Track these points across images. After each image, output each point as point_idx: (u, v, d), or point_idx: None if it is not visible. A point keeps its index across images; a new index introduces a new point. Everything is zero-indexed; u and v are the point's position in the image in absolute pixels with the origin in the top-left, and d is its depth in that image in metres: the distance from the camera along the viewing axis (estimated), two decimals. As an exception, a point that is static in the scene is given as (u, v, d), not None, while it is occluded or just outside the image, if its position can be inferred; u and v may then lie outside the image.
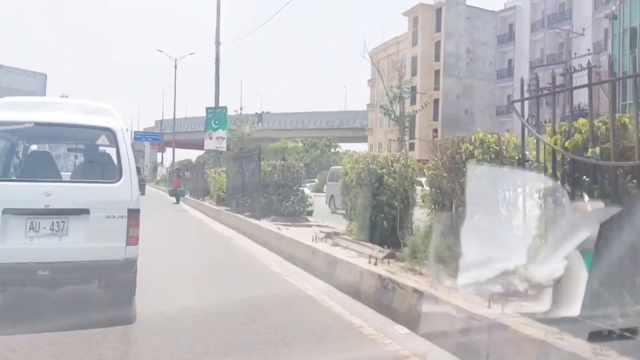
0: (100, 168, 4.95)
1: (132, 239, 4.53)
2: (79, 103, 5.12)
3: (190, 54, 64.20)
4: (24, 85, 67.99)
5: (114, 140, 4.73)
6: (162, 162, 63.44)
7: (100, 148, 5.12)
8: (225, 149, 24.26)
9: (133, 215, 4.54)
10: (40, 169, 4.89)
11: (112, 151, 4.83)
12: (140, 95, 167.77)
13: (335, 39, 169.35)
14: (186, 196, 26.15)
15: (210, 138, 24.55)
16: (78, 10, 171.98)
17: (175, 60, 43.63)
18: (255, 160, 12.75)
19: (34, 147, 6.24)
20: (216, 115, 24.72)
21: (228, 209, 15.26)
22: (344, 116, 67.53)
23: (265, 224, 10.94)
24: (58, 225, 4.32)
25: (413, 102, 25.56)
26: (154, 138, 56.27)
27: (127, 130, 5.05)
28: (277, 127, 66.24)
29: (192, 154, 64.79)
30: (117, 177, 4.60)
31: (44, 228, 4.30)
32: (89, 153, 5.22)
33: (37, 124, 4.78)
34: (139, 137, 56.51)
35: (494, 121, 42.94)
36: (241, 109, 35.56)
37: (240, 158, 14.80)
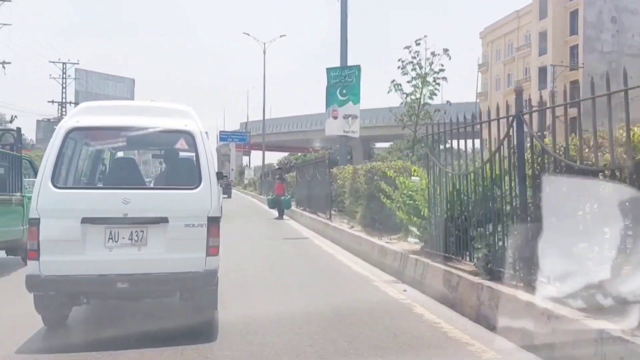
0: (179, 173, 4.73)
1: (212, 250, 4.21)
2: (157, 106, 4.91)
3: (280, 36, 62.37)
4: (113, 90, 67.70)
5: (192, 144, 4.45)
6: (249, 165, 59.84)
7: (179, 152, 4.90)
8: (357, 135, 16.52)
9: (213, 224, 4.22)
10: (122, 175, 4.78)
11: (191, 155, 4.57)
12: (224, 98, 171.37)
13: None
14: (292, 207, 17.85)
15: (335, 117, 16.09)
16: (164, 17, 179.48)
17: (264, 44, 40.53)
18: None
19: (120, 154, 6.24)
20: (343, 80, 15.67)
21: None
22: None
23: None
24: (137, 235, 4.14)
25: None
26: (241, 138, 54.50)
27: (207, 133, 4.74)
28: (368, 125, 56.73)
29: (276, 158, 60.00)
30: (197, 183, 4.30)
31: (123, 238, 4.13)
32: (168, 157, 5.03)
33: (116, 128, 4.68)
34: (224, 137, 54.58)
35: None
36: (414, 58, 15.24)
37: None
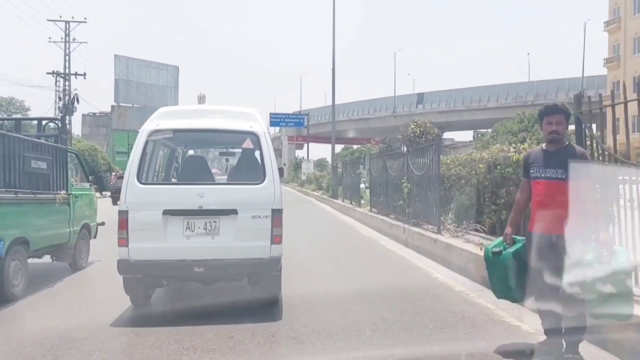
0: (246, 170, 5.25)
1: (276, 238, 4.70)
2: (226, 109, 5.46)
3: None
4: (155, 78, 63.17)
5: (257, 144, 4.96)
6: (307, 157, 48.20)
7: (246, 151, 5.39)
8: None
9: (276, 215, 4.71)
10: (195, 172, 5.36)
11: (256, 154, 5.07)
12: (273, 85, 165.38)
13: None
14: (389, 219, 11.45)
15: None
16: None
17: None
18: None
19: (190, 152, 6.88)
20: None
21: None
22: (544, 87, 46.36)
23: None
24: (210, 225, 4.66)
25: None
26: (297, 122, 44.35)
27: (268, 133, 5.25)
28: (443, 109, 51.09)
29: (327, 151, 52.87)
30: (262, 178, 4.80)
31: (199, 228, 4.66)
32: (235, 156, 5.54)
33: (191, 130, 5.25)
34: (276, 121, 44.06)
35: None
36: None
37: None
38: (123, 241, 4.57)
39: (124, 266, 4.60)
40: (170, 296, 5.56)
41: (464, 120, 51.75)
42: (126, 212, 4.59)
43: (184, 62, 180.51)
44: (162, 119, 5.13)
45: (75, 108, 27.82)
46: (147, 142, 4.87)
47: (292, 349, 3.94)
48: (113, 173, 33.93)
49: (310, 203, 25.25)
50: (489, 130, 38.27)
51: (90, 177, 8.41)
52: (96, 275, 7.09)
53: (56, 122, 7.88)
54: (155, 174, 5.76)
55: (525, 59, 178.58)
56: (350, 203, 17.69)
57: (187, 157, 6.63)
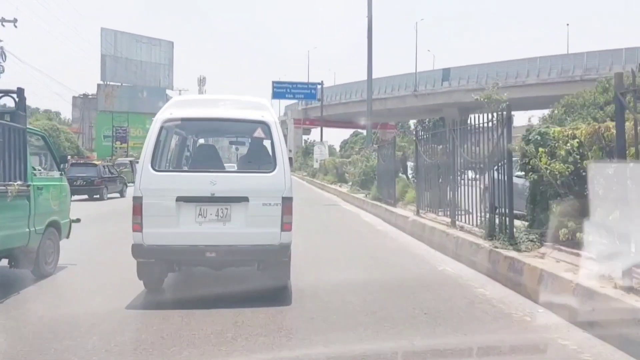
0: (257, 159, 5.36)
1: (286, 226, 4.80)
2: (237, 99, 5.59)
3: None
4: (147, 55, 57.55)
5: (268, 133, 5.07)
6: (322, 139, 38.33)
7: (257, 140, 5.49)
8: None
9: (286, 203, 4.81)
10: (206, 160, 5.50)
11: (267, 143, 5.17)
12: (279, 67, 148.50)
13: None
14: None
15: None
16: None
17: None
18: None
19: (201, 140, 7.02)
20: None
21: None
22: (596, 59, 36.56)
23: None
24: (222, 212, 4.78)
25: None
26: (308, 93, 35.62)
27: (279, 123, 5.35)
28: (473, 86, 35.87)
29: (341, 136, 43.06)
30: (272, 167, 4.91)
31: (211, 214, 4.78)
32: (247, 144, 5.68)
33: (204, 119, 5.39)
34: (280, 91, 35.65)
35: None
36: None
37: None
38: (137, 226, 4.69)
39: (138, 251, 4.73)
40: (182, 281, 5.67)
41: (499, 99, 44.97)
42: (140, 198, 4.72)
43: (181, 40, 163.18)
44: (176, 108, 5.27)
45: (2, 68, 23.97)
46: (160, 131, 4.99)
47: (301, 337, 3.98)
48: (69, 157, 26.55)
49: (338, 209, 15.43)
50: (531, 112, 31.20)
51: (61, 166, 6.90)
52: (65, 284, 5.82)
53: (12, 95, 5.74)
54: (168, 161, 5.89)
55: (563, 30, 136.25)
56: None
57: (198, 146, 6.79)
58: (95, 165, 20.31)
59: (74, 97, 59.90)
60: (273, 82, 36.16)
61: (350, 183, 19.71)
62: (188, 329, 4.05)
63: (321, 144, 36.33)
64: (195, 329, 4.05)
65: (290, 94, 37.09)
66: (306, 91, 36.57)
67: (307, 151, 42.94)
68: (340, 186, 21.49)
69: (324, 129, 38.56)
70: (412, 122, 65.83)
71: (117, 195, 19.91)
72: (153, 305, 4.78)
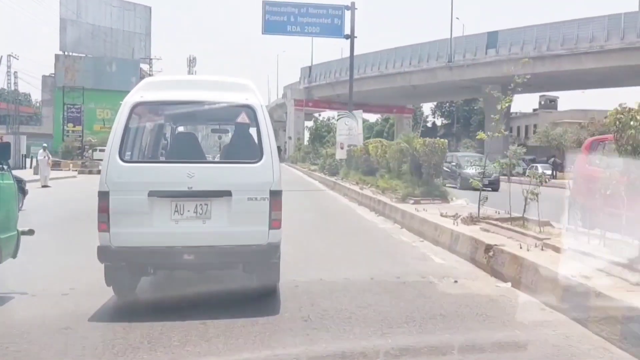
0: (240, 147, 4.81)
1: (274, 223, 4.31)
2: (217, 80, 5.00)
3: None
4: (119, 22, 49.60)
5: (254, 118, 4.52)
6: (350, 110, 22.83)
7: (241, 126, 4.94)
8: None
9: (275, 197, 4.31)
10: (184, 150, 4.89)
11: (252, 129, 4.61)
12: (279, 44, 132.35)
13: None
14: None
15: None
16: None
17: None
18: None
19: (180, 128, 6.32)
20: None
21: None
22: None
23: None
24: (202, 208, 4.25)
25: None
26: (329, 24, 21.48)
27: (265, 106, 4.77)
28: (531, 54, 28.86)
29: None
30: (258, 157, 4.38)
31: (188, 211, 4.24)
32: (229, 131, 5.11)
33: (178, 102, 4.77)
34: (277, 20, 22.16)
35: None
36: None
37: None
38: (104, 225, 4.14)
39: (104, 253, 4.17)
40: (157, 287, 5.09)
41: (565, 71, 31.01)
42: (107, 193, 4.14)
43: (162, 6, 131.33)
44: (147, 90, 4.64)
45: None
46: (130, 116, 4.37)
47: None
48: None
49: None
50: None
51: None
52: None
53: None
54: (141, 151, 5.25)
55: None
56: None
57: (176, 134, 6.13)
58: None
59: (43, 77, 53.46)
60: (264, 2, 22.69)
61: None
62: (166, 340, 3.57)
63: (350, 115, 21.37)
64: (174, 341, 3.57)
65: (294, 24, 21.57)
66: (325, 20, 21.32)
67: (318, 134, 32.62)
68: (361, 188, 11.56)
69: (329, 111, 29.49)
70: (430, 106, 51.98)
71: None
72: (116, 316, 4.20)
